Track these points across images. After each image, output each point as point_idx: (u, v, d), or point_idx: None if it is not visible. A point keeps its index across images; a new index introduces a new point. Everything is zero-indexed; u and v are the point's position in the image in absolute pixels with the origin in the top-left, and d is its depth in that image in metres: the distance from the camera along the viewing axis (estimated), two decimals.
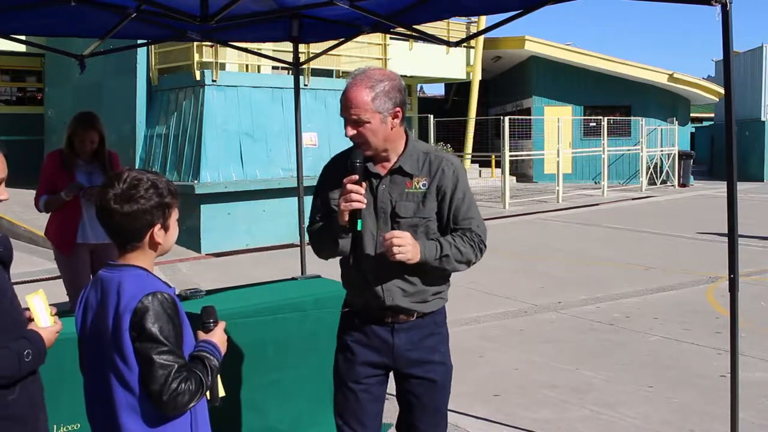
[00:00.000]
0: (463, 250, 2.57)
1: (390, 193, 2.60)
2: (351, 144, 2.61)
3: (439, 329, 2.72)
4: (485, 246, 2.65)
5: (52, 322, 2.15)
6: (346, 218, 2.46)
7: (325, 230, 2.63)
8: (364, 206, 2.45)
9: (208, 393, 2.10)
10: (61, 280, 5.21)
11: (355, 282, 2.71)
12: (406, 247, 2.43)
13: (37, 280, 8.45)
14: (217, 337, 2.16)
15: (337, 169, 2.61)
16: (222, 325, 2.21)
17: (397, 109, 2.53)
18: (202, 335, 2.16)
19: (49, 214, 5.10)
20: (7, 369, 1.96)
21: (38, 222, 9.83)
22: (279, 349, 3.69)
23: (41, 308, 2.14)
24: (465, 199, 2.62)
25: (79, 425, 3.10)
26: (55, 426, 3.07)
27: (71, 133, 4.91)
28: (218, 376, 2.15)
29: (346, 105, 2.50)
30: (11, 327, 2.04)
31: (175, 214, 2.12)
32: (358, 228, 2.48)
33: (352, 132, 2.51)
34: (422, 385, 2.69)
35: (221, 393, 2.20)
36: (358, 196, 2.43)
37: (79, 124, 4.91)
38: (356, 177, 2.44)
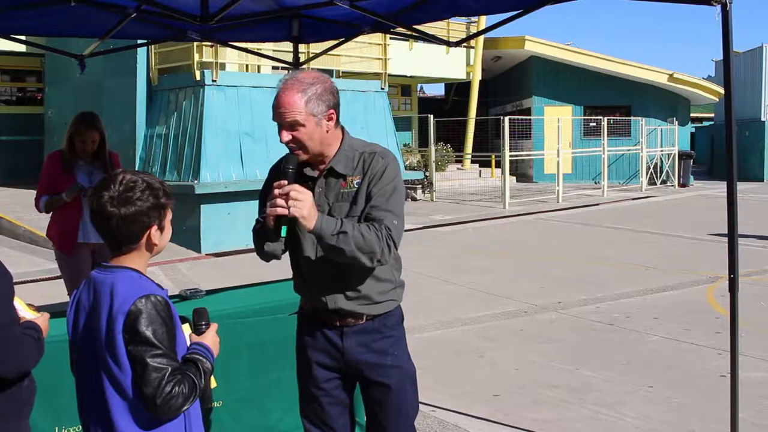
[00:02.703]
0: (367, 237, 2.41)
1: (326, 196, 2.57)
2: None
3: (391, 332, 2.66)
4: (395, 245, 2.49)
5: (37, 315, 2.35)
6: (272, 223, 2.42)
7: (259, 233, 2.60)
8: (287, 213, 2.37)
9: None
10: (62, 280, 5.21)
11: (300, 286, 2.72)
12: (304, 203, 2.35)
13: (37, 280, 8.45)
14: (210, 339, 2.16)
15: (277, 173, 2.57)
16: (214, 327, 2.21)
17: (331, 111, 2.50)
18: (194, 338, 2.15)
19: (50, 215, 5.10)
20: (32, 359, 2.18)
21: (39, 222, 9.84)
22: (279, 349, 3.68)
23: (22, 311, 2.30)
24: (387, 190, 2.52)
25: (80, 427, 3.10)
26: (56, 428, 3.06)
27: (72, 133, 4.91)
28: (211, 377, 2.14)
29: (280, 110, 2.45)
30: (17, 319, 2.20)
31: (169, 215, 2.12)
32: (282, 234, 2.44)
33: (287, 137, 2.47)
34: (379, 390, 2.65)
35: (213, 384, 2.20)
36: (282, 201, 2.37)
37: (80, 124, 4.91)
38: (285, 182, 2.40)
